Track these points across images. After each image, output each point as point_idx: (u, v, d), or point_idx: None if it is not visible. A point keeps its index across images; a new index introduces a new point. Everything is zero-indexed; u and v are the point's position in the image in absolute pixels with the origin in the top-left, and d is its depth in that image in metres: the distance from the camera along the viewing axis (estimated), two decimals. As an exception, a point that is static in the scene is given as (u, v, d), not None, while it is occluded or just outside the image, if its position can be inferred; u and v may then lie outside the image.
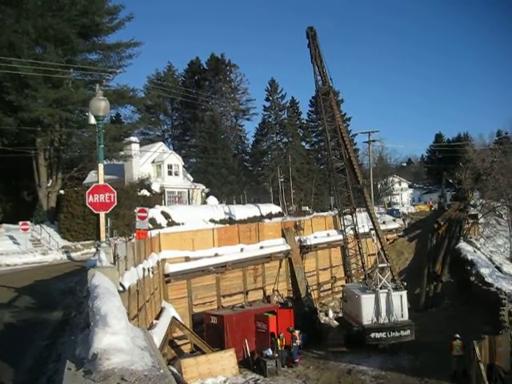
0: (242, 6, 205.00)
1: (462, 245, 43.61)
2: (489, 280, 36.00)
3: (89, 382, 2.35)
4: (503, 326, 26.00)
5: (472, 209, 51.73)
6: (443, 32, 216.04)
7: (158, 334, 19.49)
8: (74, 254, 34.29)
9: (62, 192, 41.12)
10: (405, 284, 34.03)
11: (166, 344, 23.00)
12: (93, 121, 17.33)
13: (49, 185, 41.95)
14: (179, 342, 26.75)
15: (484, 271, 37.60)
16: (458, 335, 24.64)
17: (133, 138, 52.56)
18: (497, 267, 39.79)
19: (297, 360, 26.92)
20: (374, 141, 71.77)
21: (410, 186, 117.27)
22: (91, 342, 2.64)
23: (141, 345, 2.74)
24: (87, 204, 15.32)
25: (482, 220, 49.88)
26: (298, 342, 27.20)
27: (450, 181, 76.37)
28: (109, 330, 2.67)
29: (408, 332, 27.50)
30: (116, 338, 2.61)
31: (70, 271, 24.34)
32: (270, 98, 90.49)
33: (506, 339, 23.45)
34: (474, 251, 42.30)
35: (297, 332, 27.56)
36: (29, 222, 35.18)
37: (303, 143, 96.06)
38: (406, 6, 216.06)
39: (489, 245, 46.29)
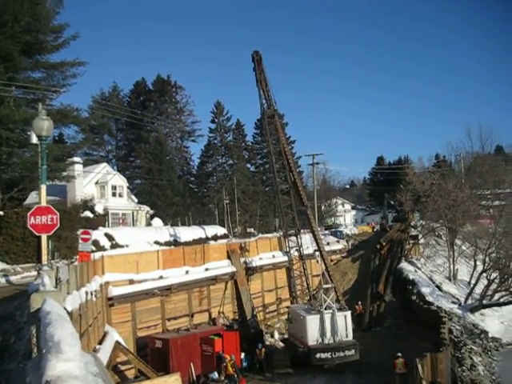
0: (189, 28, 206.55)
1: (404, 265, 44.73)
2: (429, 299, 36.99)
3: (42, 410, 2.32)
4: (444, 344, 26.63)
5: (412, 230, 53.14)
6: (385, 53, 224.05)
7: (101, 360, 19.03)
8: (13, 278, 32.94)
9: (0, 213, 39.70)
10: (361, 304, 34.34)
11: (110, 369, 22.42)
12: (35, 140, 17.01)
13: (-14, 206, 40.43)
14: (123, 367, 26.09)
15: (425, 290, 38.62)
16: (399, 354, 25.16)
17: (76, 159, 51.30)
18: (437, 286, 40.91)
19: None
20: (317, 163, 73.52)
21: (352, 208, 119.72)
22: (44, 370, 2.61)
23: (93, 371, 2.72)
24: (28, 226, 14.93)
25: (422, 240, 51.36)
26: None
27: (392, 202, 78.23)
28: (62, 357, 2.64)
29: (353, 352, 27.82)
30: (70, 365, 2.58)
31: (9, 295, 23.39)
32: (216, 120, 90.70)
33: (446, 356, 24.07)
34: (415, 271, 43.43)
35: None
36: (-36, 245, 33.77)
37: (248, 165, 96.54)
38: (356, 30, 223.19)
39: (429, 264, 47.67)
